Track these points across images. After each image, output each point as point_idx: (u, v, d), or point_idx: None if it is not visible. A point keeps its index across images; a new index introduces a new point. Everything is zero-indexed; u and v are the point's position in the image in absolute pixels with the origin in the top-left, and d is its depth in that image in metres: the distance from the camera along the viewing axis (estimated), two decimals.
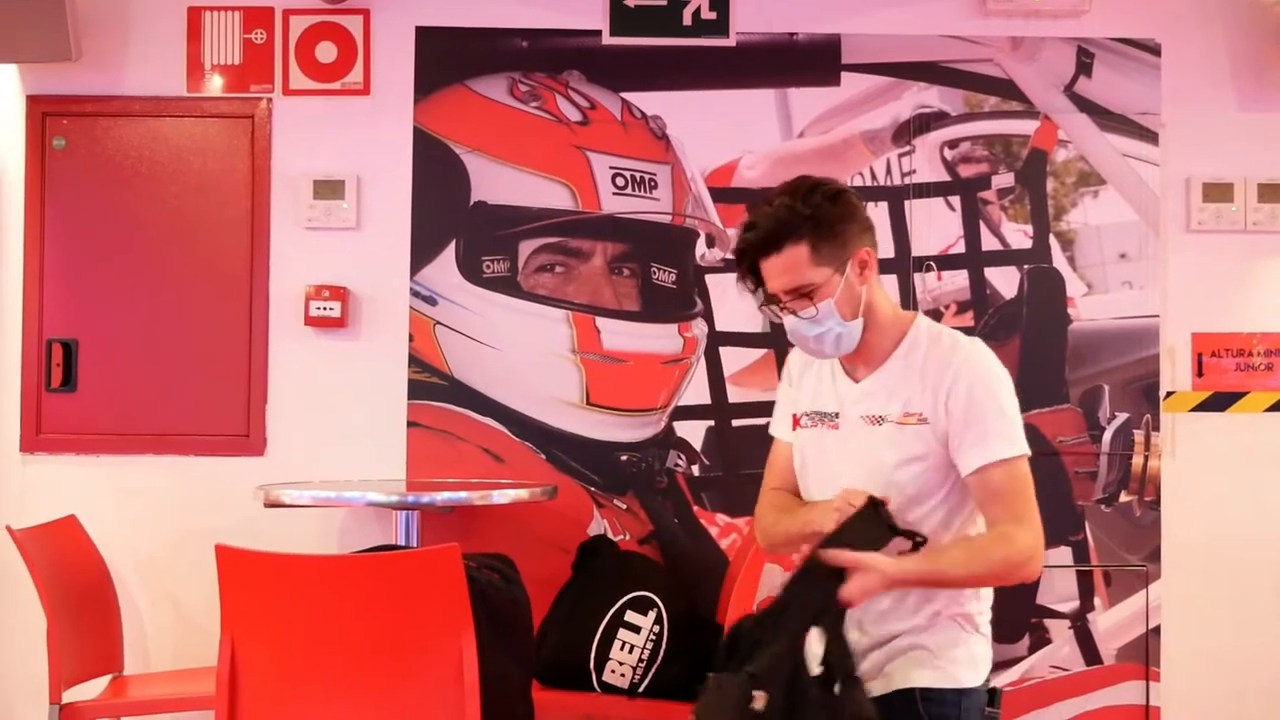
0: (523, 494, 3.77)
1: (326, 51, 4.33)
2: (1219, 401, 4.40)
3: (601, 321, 4.31)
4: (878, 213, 4.34)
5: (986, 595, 2.43)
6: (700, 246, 4.34)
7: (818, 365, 2.49)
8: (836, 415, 2.42)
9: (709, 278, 4.34)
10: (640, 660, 3.77)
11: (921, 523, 2.33)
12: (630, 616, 3.79)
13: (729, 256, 4.33)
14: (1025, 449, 2.31)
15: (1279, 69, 4.36)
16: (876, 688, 2.33)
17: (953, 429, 2.31)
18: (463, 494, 3.67)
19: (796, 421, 2.50)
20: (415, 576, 2.91)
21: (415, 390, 4.29)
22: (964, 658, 2.37)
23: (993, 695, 2.42)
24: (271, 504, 3.68)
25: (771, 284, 2.33)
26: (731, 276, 4.35)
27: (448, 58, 4.34)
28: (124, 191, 4.32)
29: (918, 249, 4.35)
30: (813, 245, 2.29)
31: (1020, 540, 2.27)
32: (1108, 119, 4.38)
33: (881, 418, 2.37)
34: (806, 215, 2.30)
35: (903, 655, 2.36)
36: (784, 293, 2.32)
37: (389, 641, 2.91)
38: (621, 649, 3.78)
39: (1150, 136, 4.38)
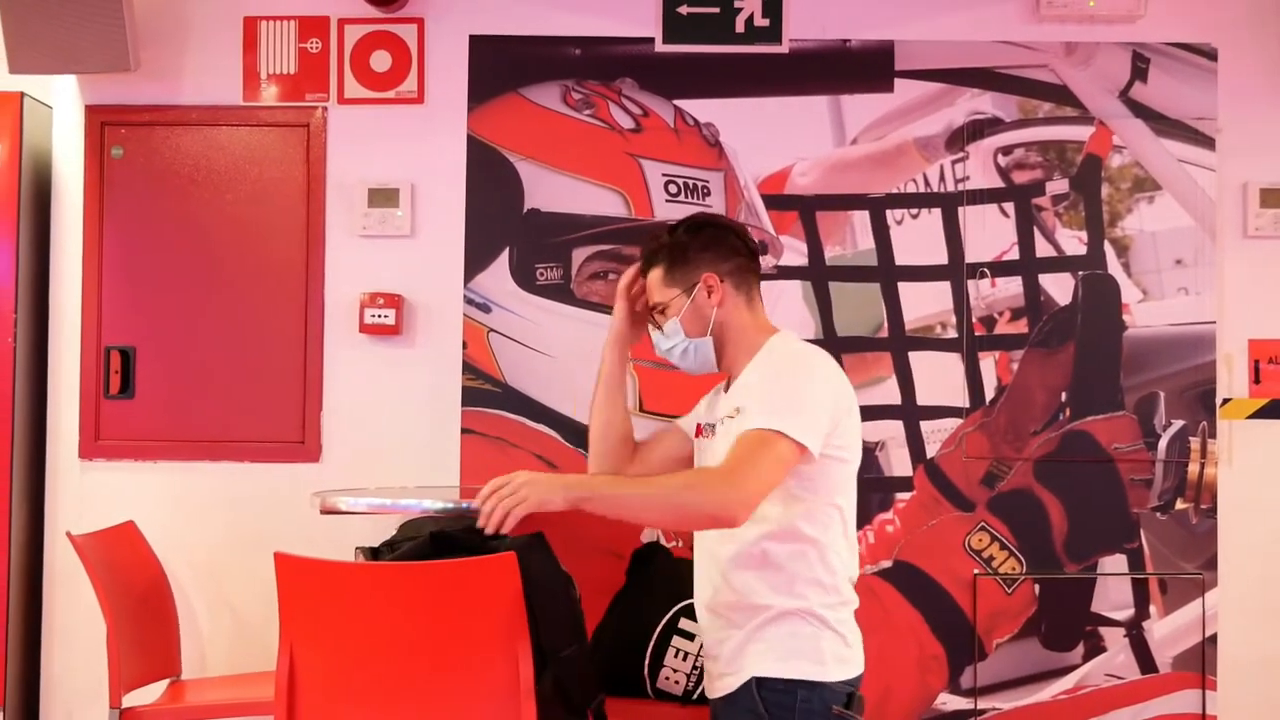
0: None
1: (381, 60, 4.36)
2: (1277, 408, 4.36)
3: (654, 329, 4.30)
4: (931, 219, 4.34)
5: (838, 596, 2.59)
6: None
7: (717, 386, 2.82)
8: (712, 426, 2.70)
9: (762, 285, 4.32)
10: (695, 668, 3.77)
11: (763, 507, 2.49)
12: (685, 624, 3.79)
13: (781, 264, 4.34)
14: (787, 429, 2.44)
15: None
16: (731, 682, 2.59)
17: (748, 414, 2.51)
18: None
19: (699, 431, 2.79)
20: (472, 585, 2.92)
21: (469, 397, 4.31)
22: (808, 650, 2.53)
23: (851, 699, 2.55)
24: (327, 511, 3.69)
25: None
26: (783, 284, 4.41)
27: (501, 66, 4.36)
28: (181, 200, 4.37)
29: (971, 255, 4.33)
30: (666, 269, 2.70)
31: (716, 490, 2.42)
32: (1163, 124, 4.35)
33: (725, 419, 2.62)
34: (664, 244, 2.73)
35: (749, 646, 2.56)
36: (651, 310, 2.77)
37: (446, 649, 2.92)
38: (675, 656, 3.79)
39: (1206, 142, 4.35)
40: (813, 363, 2.64)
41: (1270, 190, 4.34)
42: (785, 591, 2.56)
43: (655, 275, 2.74)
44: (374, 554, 3.26)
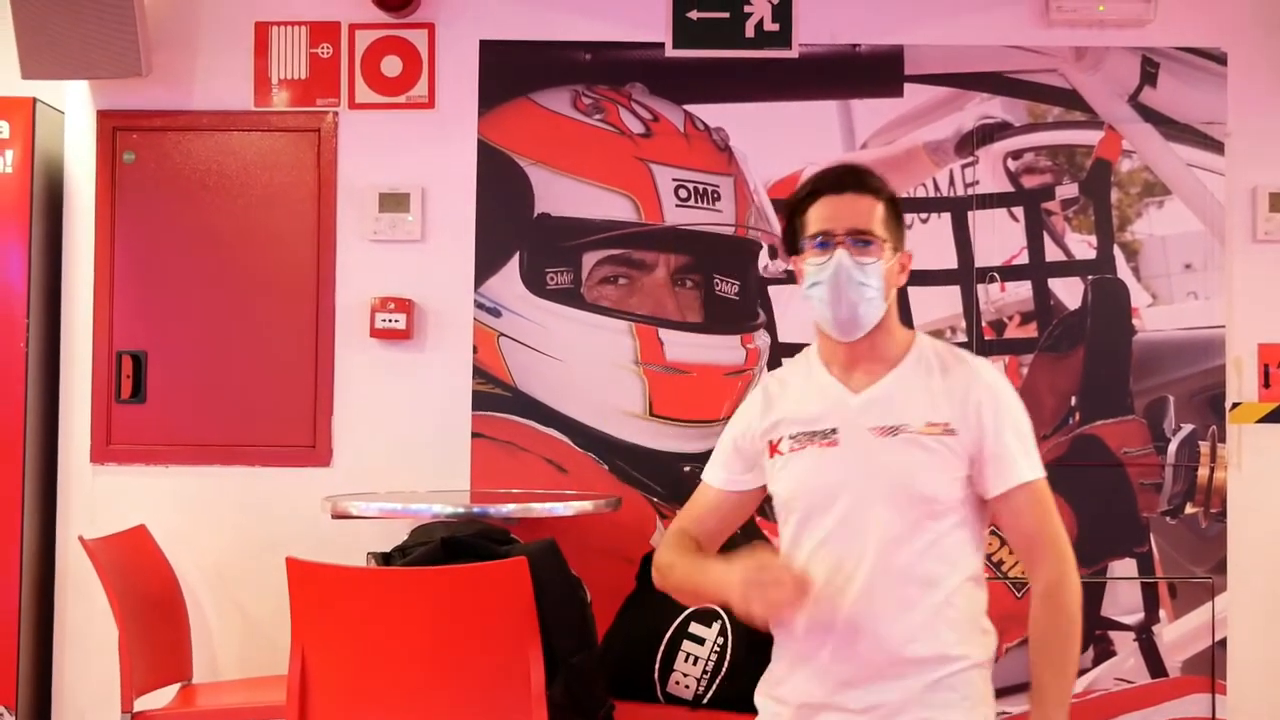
0: (587, 505, 3.79)
1: (392, 65, 4.37)
2: None
3: (664, 333, 4.32)
4: (940, 223, 4.34)
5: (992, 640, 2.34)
6: (763, 258, 4.35)
7: (799, 383, 2.37)
8: (834, 431, 2.27)
9: (771, 289, 4.35)
10: (704, 672, 3.78)
11: (941, 539, 2.22)
12: (694, 628, 3.79)
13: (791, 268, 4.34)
14: (1041, 471, 2.28)
15: None
16: None
17: (986, 445, 2.24)
18: (528, 506, 3.69)
19: (774, 449, 2.33)
20: (483, 590, 2.94)
21: (479, 401, 4.32)
22: (987, 697, 2.31)
23: None
24: (339, 515, 3.72)
25: (832, 221, 2.25)
26: (793, 289, 4.40)
27: (511, 71, 4.38)
28: (192, 205, 4.39)
29: (981, 260, 4.34)
30: (885, 211, 2.28)
31: (1068, 586, 2.23)
32: (1173, 129, 4.36)
33: (896, 428, 2.25)
34: (884, 187, 2.32)
35: (932, 696, 2.21)
36: (845, 231, 2.24)
37: (458, 654, 2.94)
38: (685, 660, 3.79)
39: (1216, 146, 4.35)
40: (1009, 383, 2.39)
41: None
42: (973, 641, 2.29)
43: (878, 208, 2.28)
44: (386, 559, 3.28)
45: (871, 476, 2.24)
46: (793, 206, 2.33)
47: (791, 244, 2.34)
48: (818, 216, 2.27)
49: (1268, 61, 4.37)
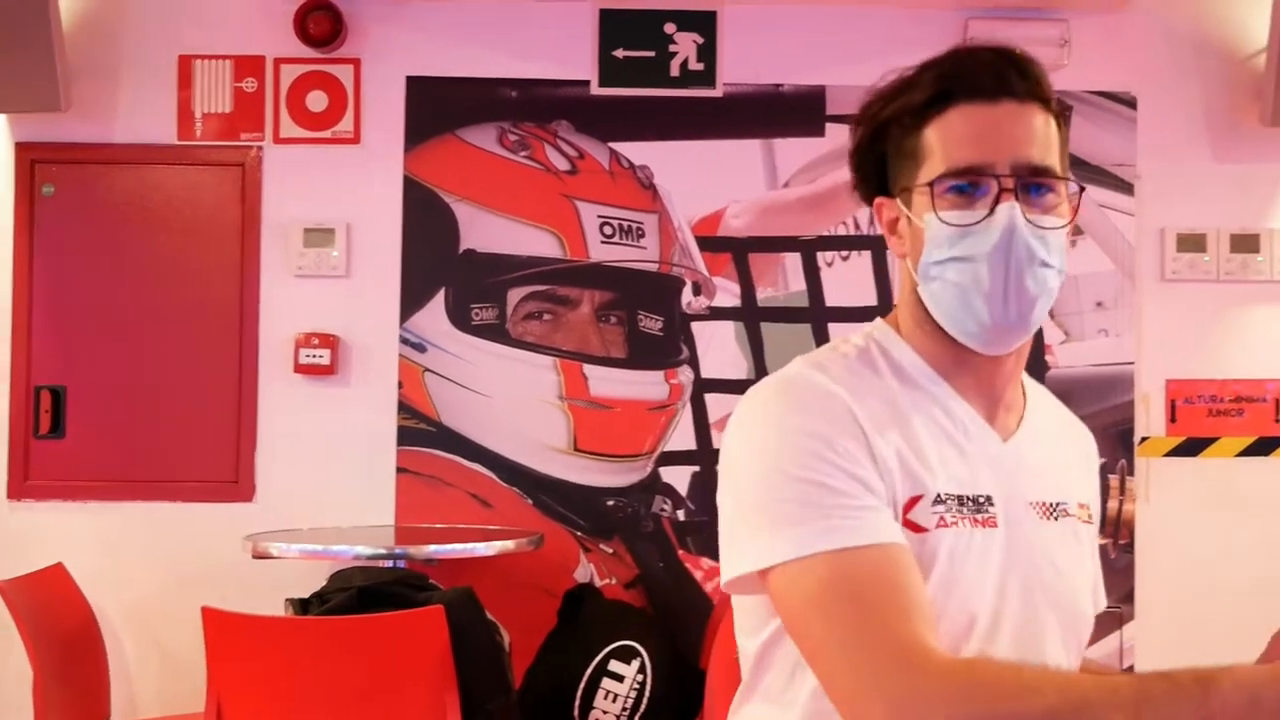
0: (509, 545, 3.82)
1: (317, 100, 4.38)
2: (1192, 447, 4.48)
3: (589, 368, 4.37)
4: (861, 261, 4.42)
5: None
6: (687, 294, 4.40)
7: (921, 408, 1.46)
8: (989, 502, 1.45)
9: (695, 325, 4.40)
10: (624, 709, 3.83)
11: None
12: (614, 665, 3.85)
13: (714, 304, 4.40)
14: None
15: (1251, 121, 4.43)
16: None
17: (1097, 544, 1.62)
18: (450, 546, 3.72)
19: (911, 505, 1.40)
20: (400, 638, 2.97)
21: (404, 437, 4.35)
22: None
23: None
24: (260, 555, 3.73)
25: (990, 148, 1.41)
26: (716, 325, 4.48)
27: (438, 107, 4.40)
28: (114, 238, 4.36)
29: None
30: (1060, 137, 1.48)
31: None
32: (1085, 170, 4.46)
33: (1057, 506, 1.51)
34: (1057, 101, 1.50)
35: None
36: (1014, 169, 1.40)
37: (375, 703, 2.96)
38: (605, 698, 3.84)
39: (1126, 188, 4.46)
40: None
41: (1186, 235, 4.46)
42: None
43: (1053, 132, 1.46)
44: (303, 606, 3.30)
45: (1043, 587, 1.47)
46: (891, 114, 1.47)
47: (877, 180, 1.52)
48: (959, 138, 1.42)
49: (1175, 106, 4.49)
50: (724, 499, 1.45)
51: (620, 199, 4.40)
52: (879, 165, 1.51)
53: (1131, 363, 4.46)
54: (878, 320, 1.55)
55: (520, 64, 4.41)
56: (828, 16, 4.44)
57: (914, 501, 1.41)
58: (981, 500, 1.45)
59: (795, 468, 1.36)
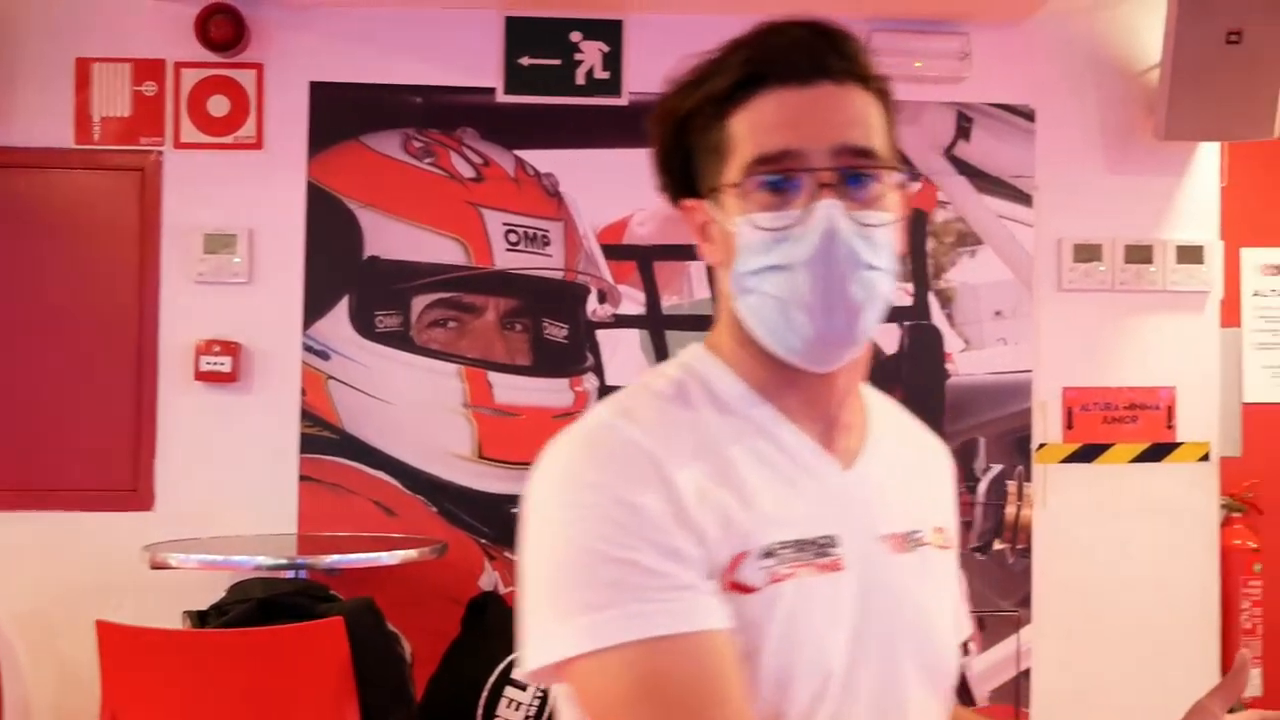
0: (412, 554, 3.82)
1: (219, 105, 4.33)
2: (1087, 453, 4.57)
3: (493, 376, 4.37)
4: None
5: None
6: (592, 302, 4.42)
7: (747, 444, 1.28)
8: (831, 543, 1.27)
9: (600, 333, 4.42)
10: (527, 717, 3.84)
11: None
12: (518, 674, 3.85)
13: (619, 313, 4.42)
14: None
15: (1145, 135, 4.53)
16: None
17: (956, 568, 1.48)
18: (352, 556, 3.71)
19: (733, 581, 1.21)
20: (300, 651, 2.97)
21: (307, 444, 4.32)
22: None
23: None
24: (158, 566, 3.69)
25: (803, 134, 1.24)
26: (621, 333, 4.50)
27: (342, 113, 4.37)
28: (9, 243, 4.29)
29: None
30: (884, 120, 1.30)
31: None
32: (984, 181, 4.54)
33: (911, 536, 1.35)
34: (877, 78, 1.30)
35: None
36: (832, 156, 1.23)
37: (273, 715, 2.96)
38: (508, 706, 3.85)
39: (1025, 199, 4.54)
40: None
41: (1083, 246, 4.55)
42: None
43: (871, 108, 1.28)
44: (201, 618, 3.27)
45: (903, 629, 1.31)
46: (693, 105, 1.30)
47: (683, 178, 1.34)
48: (769, 126, 1.25)
49: (1073, 119, 4.58)
50: (522, 573, 1.26)
51: (526, 207, 4.41)
52: (685, 163, 1.32)
53: (1029, 371, 4.54)
54: (695, 346, 1.37)
55: (425, 70, 4.40)
56: (733, 26, 4.38)
57: (739, 559, 1.21)
58: (823, 542, 1.26)
59: (596, 541, 1.18)
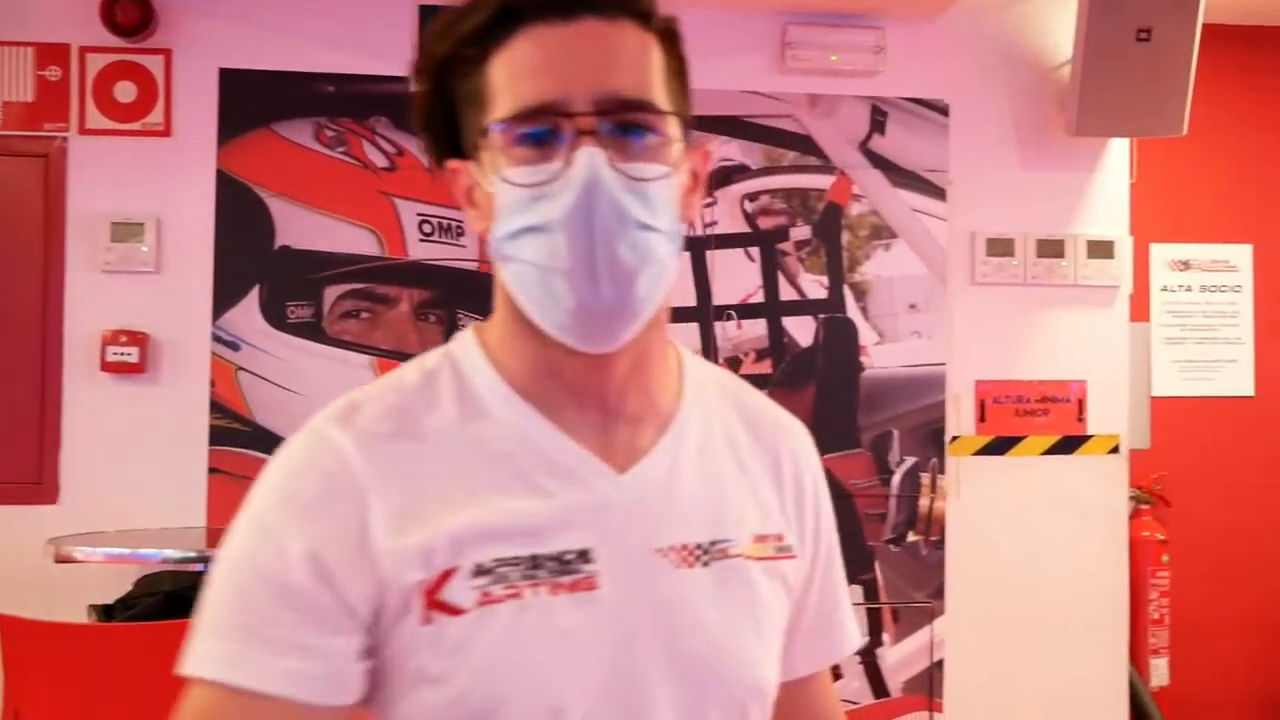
0: None
1: (126, 91, 4.25)
2: (1000, 445, 4.62)
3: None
4: (682, 261, 4.44)
5: None
6: None
7: (488, 448, 1.15)
8: (585, 557, 1.13)
9: None
10: None
11: None
12: None
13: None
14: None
15: (1057, 131, 4.58)
16: None
17: (817, 579, 1.30)
18: None
19: (434, 601, 1.10)
20: None
21: (217, 436, 4.24)
22: None
23: None
24: (63, 560, 3.61)
25: (562, 78, 1.09)
26: None
27: (253, 101, 4.30)
28: None
29: (719, 298, 4.47)
30: (666, 63, 1.15)
31: None
32: (899, 175, 4.56)
33: (709, 547, 1.18)
34: (660, 16, 1.17)
35: None
36: (595, 104, 1.08)
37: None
38: None
39: (938, 193, 4.58)
40: None
41: (996, 240, 4.59)
42: None
43: (649, 48, 1.14)
44: (107, 613, 3.20)
45: (681, 656, 1.15)
46: (450, 49, 1.15)
47: (447, 137, 1.19)
48: (526, 70, 1.10)
49: (987, 113, 4.62)
50: None
51: (440, 197, 4.36)
52: (448, 118, 1.17)
53: (943, 364, 4.58)
54: (467, 329, 1.25)
55: (338, 58, 4.34)
56: None
57: (445, 577, 1.10)
58: (571, 558, 1.12)
59: (246, 569, 1.11)
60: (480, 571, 1.10)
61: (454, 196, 1.21)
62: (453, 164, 1.19)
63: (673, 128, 1.13)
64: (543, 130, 1.09)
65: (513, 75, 1.10)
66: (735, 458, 1.24)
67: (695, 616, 1.16)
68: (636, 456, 1.18)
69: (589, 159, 1.07)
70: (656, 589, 1.15)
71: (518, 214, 1.10)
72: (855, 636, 1.37)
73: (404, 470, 1.12)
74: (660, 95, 1.12)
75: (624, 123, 1.09)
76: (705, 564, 1.17)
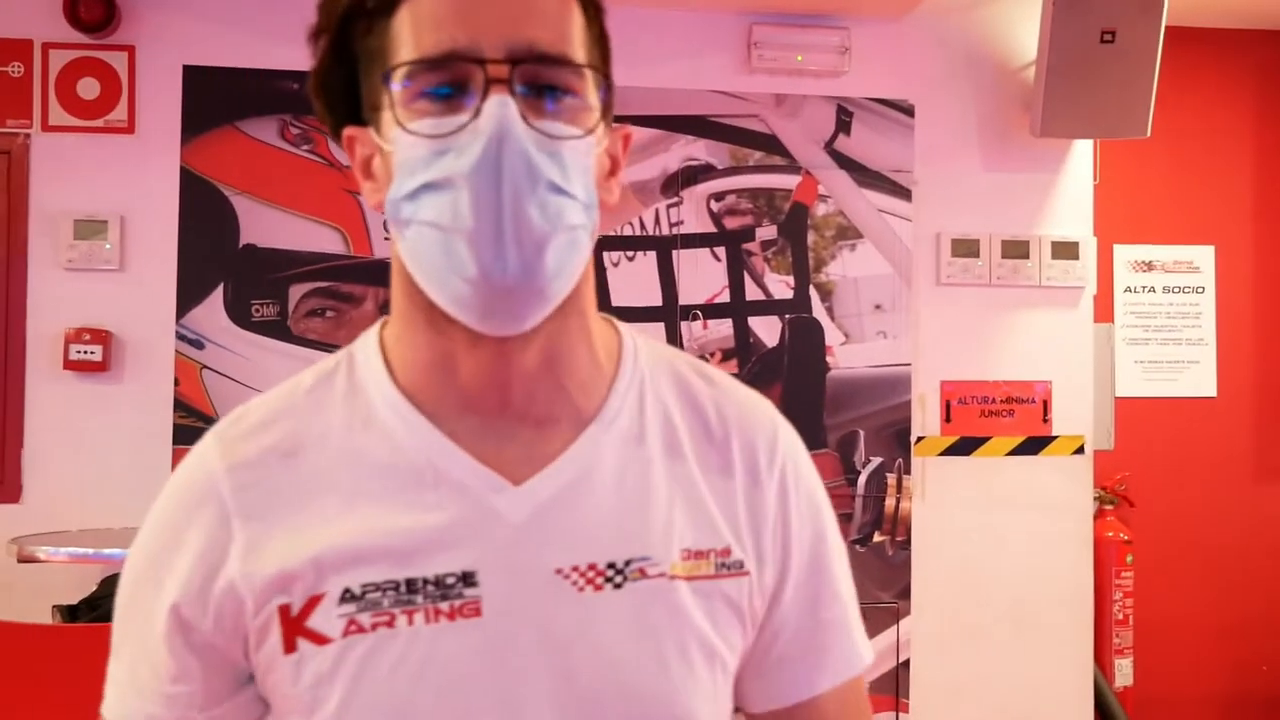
0: None
1: (89, 88, 4.22)
2: (965, 446, 4.63)
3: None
4: (646, 261, 4.45)
5: None
6: None
7: (350, 443, 1.08)
8: (467, 580, 1.03)
9: None
10: None
11: None
12: None
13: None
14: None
15: (1022, 132, 4.60)
16: None
17: (791, 594, 1.14)
18: None
19: (296, 626, 1.03)
20: None
21: (180, 435, 4.21)
22: None
23: None
24: (25, 559, 3.58)
25: (471, 26, 1.00)
26: None
27: (217, 98, 4.28)
28: None
29: (685, 298, 4.47)
30: (587, 28, 1.07)
31: None
32: (864, 175, 4.58)
33: (620, 566, 1.05)
34: None
35: None
36: (506, 53, 0.99)
37: None
38: None
39: (904, 193, 4.59)
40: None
41: (960, 240, 4.61)
42: None
43: (573, 7, 1.06)
44: (71, 613, 3.17)
45: (566, 695, 1.03)
46: (350, 6, 1.09)
47: (346, 102, 1.12)
48: (432, 20, 1.01)
49: (951, 114, 4.64)
50: None
51: None
52: (349, 82, 1.10)
53: (908, 364, 4.59)
54: (376, 324, 1.18)
55: (303, 55, 4.24)
56: (613, 19, 4.43)
57: (314, 602, 1.02)
58: (451, 580, 1.01)
59: (126, 606, 1.14)
60: (348, 598, 1.01)
61: (354, 170, 1.12)
62: (350, 130, 1.11)
63: (592, 93, 1.03)
64: (449, 86, 0.99)
65: (418, 25, 1.01)
66: (671, 459, 1.10)
67: (597, 646, 1.03)
68: (540, 464, 1.05)
69: (500, 107, 0.97)
70: (552, 615, 1.02)
71: (419, 170, 0.99)
72: (862, 653, 1.21)
73: (270, 488, 1.05)
74: (580, 54, 1.03)
75: (539, 81, 1.00)
76: (617, 585, 1.04)
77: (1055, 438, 4.66)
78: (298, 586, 1.02)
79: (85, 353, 4.14)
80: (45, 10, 4.16)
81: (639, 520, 1.06)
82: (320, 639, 1.01)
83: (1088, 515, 4.71)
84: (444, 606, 1.01)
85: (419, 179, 0.99)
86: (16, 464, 4.16)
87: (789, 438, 1.18)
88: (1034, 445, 4.66)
